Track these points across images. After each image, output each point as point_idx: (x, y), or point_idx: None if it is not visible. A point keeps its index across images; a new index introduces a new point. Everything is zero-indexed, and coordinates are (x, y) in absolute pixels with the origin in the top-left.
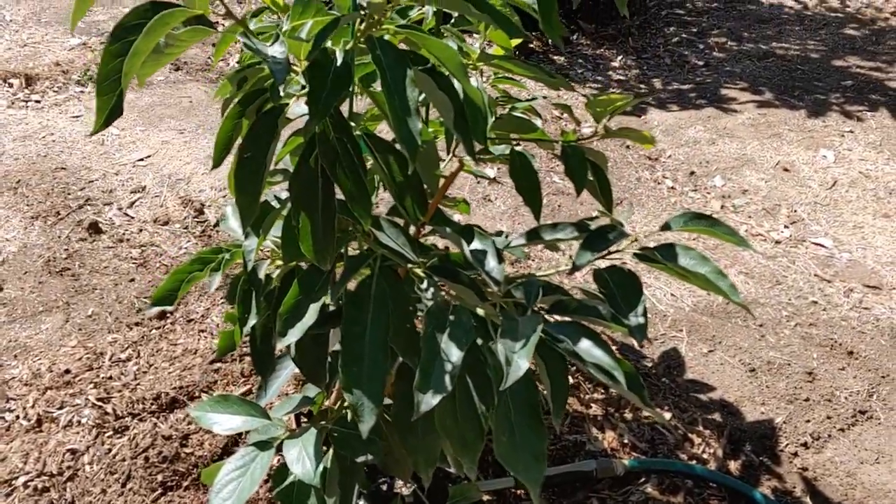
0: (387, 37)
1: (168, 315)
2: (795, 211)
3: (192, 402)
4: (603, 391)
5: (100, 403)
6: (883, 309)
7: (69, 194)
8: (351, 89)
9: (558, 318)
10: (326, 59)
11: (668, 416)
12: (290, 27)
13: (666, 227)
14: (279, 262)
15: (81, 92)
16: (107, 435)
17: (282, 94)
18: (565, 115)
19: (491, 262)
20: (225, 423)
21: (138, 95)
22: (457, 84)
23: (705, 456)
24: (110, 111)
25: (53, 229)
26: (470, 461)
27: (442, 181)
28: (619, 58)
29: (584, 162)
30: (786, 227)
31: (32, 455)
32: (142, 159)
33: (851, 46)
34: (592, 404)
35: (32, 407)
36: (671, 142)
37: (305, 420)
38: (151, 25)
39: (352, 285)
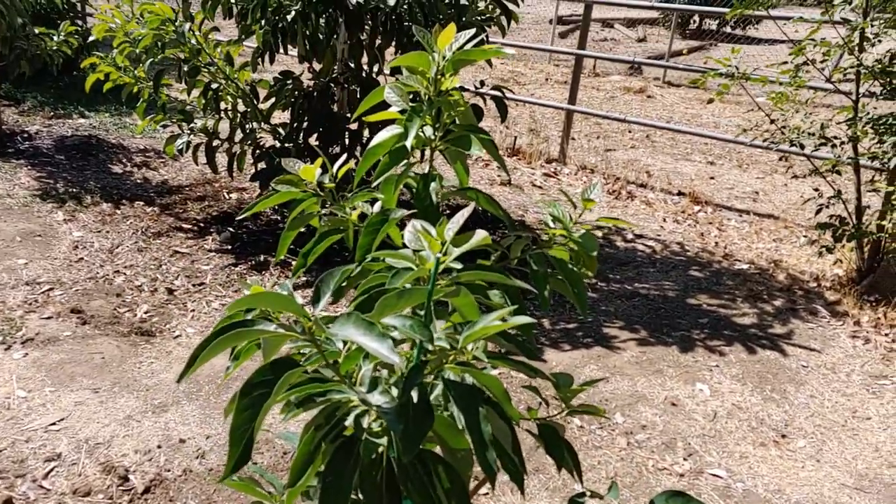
0: (450, 374)
1: None
2: (689, 444)
3: None
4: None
5: None
6: None
7: None
8: None
9: None
10: (410, 407)
11: None
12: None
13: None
14: None
15: None
16: None
17: (364, 426)
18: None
19: None
20: None
21: (44, 353)
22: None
23: None
24: (240, 457)
25: None
26: None
27: (474, 482)
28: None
29: (559, 440)
30: (684, 459)
31: None
32: (54, 423)
33: (698, 287)
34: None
35: None
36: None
37: None
38: (280, 385)
39: None
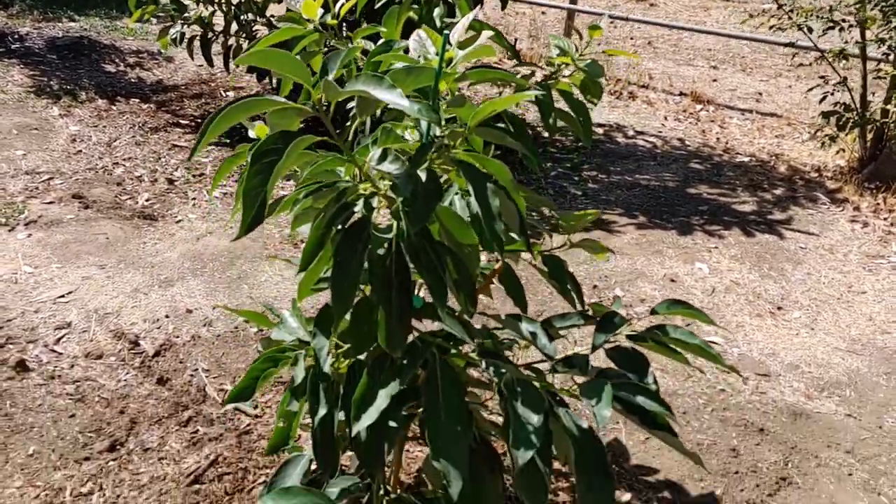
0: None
1: (119, 447)
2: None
3: None
4: (566, 480)
5: None
6: (776, 392)
7: None
8: None
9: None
10: (420, 177)
11: (627, 497)
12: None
13: (654, 311)
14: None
15: None
16: None
17: (374, 205)
18: None
19: (543, 340)
20: None
21: (48, 234)
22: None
23: None
24: (253, 219)
25: None
26: None
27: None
28: None
29: (563, 269)
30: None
31: None
32: (62, 296)
33: (699, 178)
34: (560, 492)
35: None
36: (572, 261)
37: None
38: (290, 150)
39: None
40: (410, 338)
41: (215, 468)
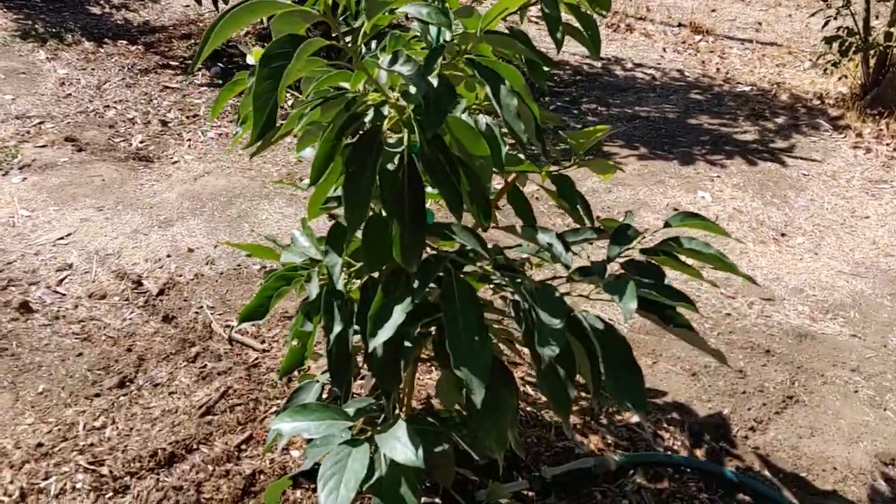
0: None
1: (129, 383)
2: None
3: (190, 455)
4: (576, 405)
5: (92, 467)
6: (780, 316)
7: None
8: None
9: None
10: (432, 82)
11: (635, 418)
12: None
13: (666, 224)
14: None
15: None
16: (108, 496)
17: (385, 113)
18: None
19: (559, 249)
20: (312, 430)
21: (43, 177)
22: None
23: (676, 447)
24: (265, 123)
25: None
26: (565, 418)
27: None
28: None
29: (572, 186)
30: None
31: None
32: (62, 238)
33: (699, 108)
34: (571, 416)
35: (11, 483)
36: None
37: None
38: (300, 52)
39: None
40: (424, 255)
41: (226, 400)
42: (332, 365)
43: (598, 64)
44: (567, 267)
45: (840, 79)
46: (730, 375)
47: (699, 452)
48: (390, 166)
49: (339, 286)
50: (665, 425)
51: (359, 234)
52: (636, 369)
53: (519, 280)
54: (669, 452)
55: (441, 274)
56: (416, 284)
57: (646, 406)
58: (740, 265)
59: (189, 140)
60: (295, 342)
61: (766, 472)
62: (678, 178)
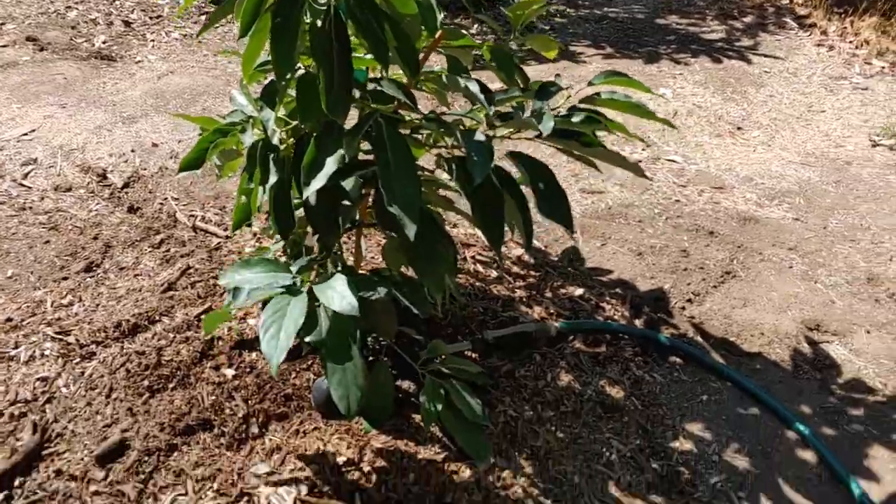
0: None
1: (96, 268)
2: (648, 136)
3: (152, 325)
4: (522, 280)
5: (59, 337)
6: (728, 202)
7: None
8: None
9: None
10: None
11: (579, 291)
12: None
13: (590, 83)
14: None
15: None
16: (75, 361)
17: None
18: None
19: (474, 88)
20: (256, 281)
21: (5, 76)
22: None
23: (616, 317)
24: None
25: None
26: (496, 242)
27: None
28: (476, 25)
29: (509, 57)
30: (643, 150)
31: None
32: (25, 134)
33: (668, 9)
34: (517, 290)
35: None
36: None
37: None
38: None
39: None
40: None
41: (187, 277)
42: (273, 209)
43: None
44: (486, 107)
45: None
46: (674, 255)
47: (638, 322)
48: (319, 22)
49: (275, 140)
50: (608, 299)
51: (294, 92)
52: (562, 192)
53: (447, 123)
54: (609, 321)
55: (372, 125)
56: (347, 135)
57: (571, 225)
58: (695, 158)
59: (153, 41)
60: (242, 199)
61: (699, 338)
62: (641, 75)
